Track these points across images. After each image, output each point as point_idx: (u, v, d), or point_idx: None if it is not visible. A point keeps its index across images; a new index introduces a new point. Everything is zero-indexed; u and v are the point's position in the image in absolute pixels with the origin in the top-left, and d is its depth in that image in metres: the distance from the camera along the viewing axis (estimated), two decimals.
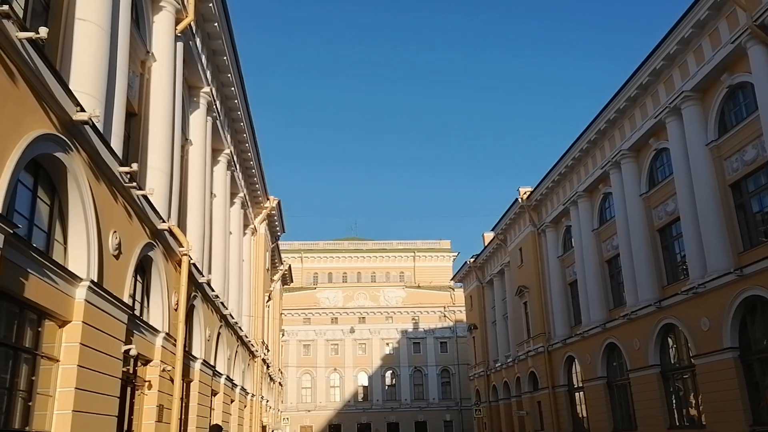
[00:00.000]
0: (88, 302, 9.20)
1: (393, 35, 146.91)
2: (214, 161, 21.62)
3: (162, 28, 14.65)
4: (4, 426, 7.67)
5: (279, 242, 41.14)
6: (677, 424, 23.94)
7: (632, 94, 25.19)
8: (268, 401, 35.17)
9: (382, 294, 70.77)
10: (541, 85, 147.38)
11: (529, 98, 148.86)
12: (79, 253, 9.37)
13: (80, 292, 9.09)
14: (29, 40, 7.55)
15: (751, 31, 18.55)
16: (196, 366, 16.94)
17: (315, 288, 71.89)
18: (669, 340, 24.71)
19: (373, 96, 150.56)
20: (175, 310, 14.45)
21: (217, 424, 15.22)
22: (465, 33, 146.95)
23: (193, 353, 16.98)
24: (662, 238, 25.36)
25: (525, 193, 37.11)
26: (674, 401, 24.52)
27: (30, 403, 8.25)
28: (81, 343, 9.00)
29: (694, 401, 23.28)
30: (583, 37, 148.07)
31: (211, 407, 19.28)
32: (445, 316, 69.55)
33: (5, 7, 6.90)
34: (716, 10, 20.14)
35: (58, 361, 8.79)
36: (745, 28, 18.87)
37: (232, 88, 21.57)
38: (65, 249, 9.32)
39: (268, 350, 35.03)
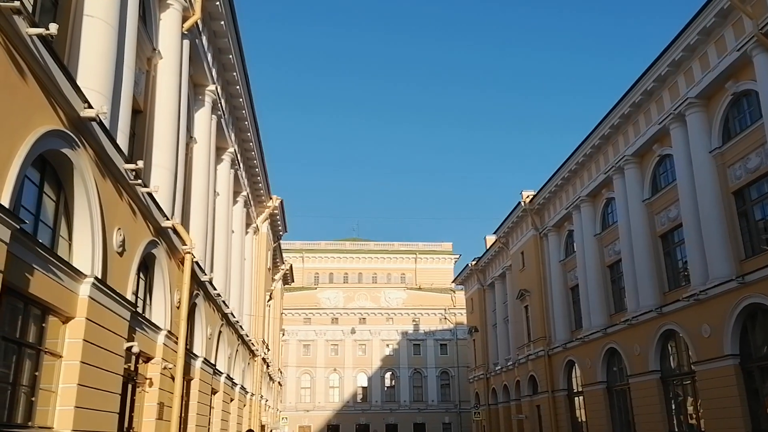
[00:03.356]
0: (92, 299, 9.23)
1: (402, 30, 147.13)
2: (218, 160, 21.65)
3: (169, 25, 14.69)
4: (7, 421, 7.69)
5: (281, 242, 41.18)
6: (676, 430, 23.93)
7: (637, 100, 25.20)
8: (267, 400, 35.17)
9: (383, 295, 70.74)
10: (548, 88, 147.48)
11: (535, 101, 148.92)
12: (83, 249, 9.40)
13: (84, 289, 9.12)
14: (39, 36, 7.56)
15: (757, 39, 18.57)
16: (197, 364, 16.96)
17: (316, 288, 71.85)
18: (669, 346, 24.70)
19: (379, 96, 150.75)
20: (177, 308, 14.47)
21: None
22: (473, 30, 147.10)
23: (194, 351, 17.01)
24: (664, 244, 25.36)
25: (528, 196, 37.14)
26: (674, 407, 24.50)
27: (33, 399, 8.27)
28: (84, 340, 9.03)
29: (693, 408, 23.26)
30: (592, 37, 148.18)
31: (211, 406, 19.31)
32: (445, 318, 69.51)
33: (16, 3, 6.91)
34: (722, 18, 20.15)
35: (61, 357, 8.81)
36: (750, 35, 18.88)
37: (237, 87, 21.60)
38: (70, 245, 9.35)
39: (269, 349, 35.05)
